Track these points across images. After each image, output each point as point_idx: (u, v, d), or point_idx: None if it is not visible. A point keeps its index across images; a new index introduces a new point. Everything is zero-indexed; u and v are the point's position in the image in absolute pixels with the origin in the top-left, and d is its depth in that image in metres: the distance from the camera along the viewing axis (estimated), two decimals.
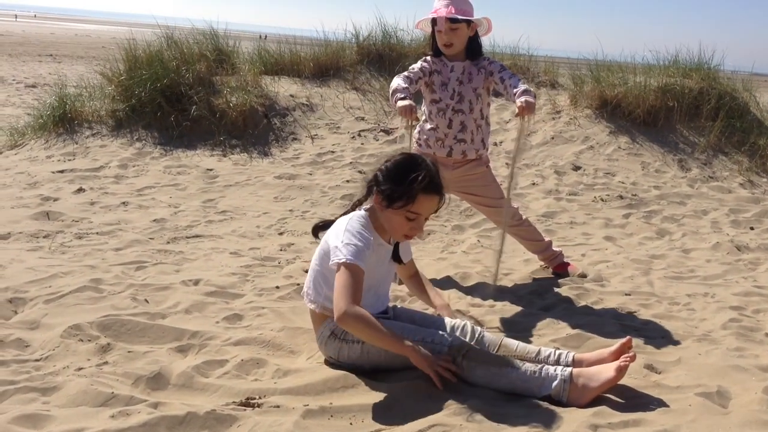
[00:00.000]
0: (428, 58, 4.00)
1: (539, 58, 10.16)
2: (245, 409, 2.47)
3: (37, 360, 2.84)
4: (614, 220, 5.88)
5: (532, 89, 3.72)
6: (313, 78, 8.96)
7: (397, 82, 3.79)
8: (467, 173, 4.05)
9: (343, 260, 2.62)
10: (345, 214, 2.90)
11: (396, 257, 2.99)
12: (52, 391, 2.56)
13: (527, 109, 3.54)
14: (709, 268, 4.64)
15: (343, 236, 2.69)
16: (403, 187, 2.69)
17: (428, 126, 4.02)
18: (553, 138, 7.87)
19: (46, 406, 2.46)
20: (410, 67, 3.98)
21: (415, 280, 3.28)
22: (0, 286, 3.59)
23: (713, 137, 7.76)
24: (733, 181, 7.20)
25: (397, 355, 2.74)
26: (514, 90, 3.71)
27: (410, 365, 2.73)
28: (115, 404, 2.48)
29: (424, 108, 4.10)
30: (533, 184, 6.72)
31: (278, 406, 2.50)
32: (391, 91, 3.78)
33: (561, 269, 4.34)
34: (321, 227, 2.93)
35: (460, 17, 3.79)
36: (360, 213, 2.83)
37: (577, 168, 7.18)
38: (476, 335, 2.92)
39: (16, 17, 70.08)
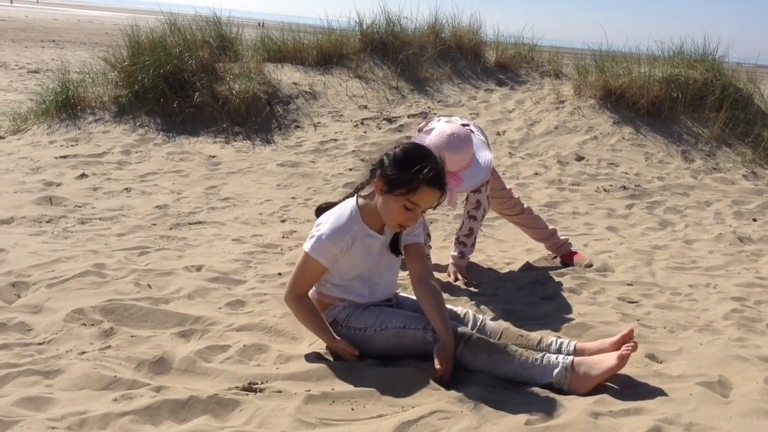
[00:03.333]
0: None
1: (543, 47, 10.13)
2: (247, 394, 2.48)
3: (40, 344, 2.85)
4: (617, 210, 5.88)
5: (468, 245, 4.02)
6: (316, 66, 8.93)
7: None
8: None
9: (305, 250, 2.79)
10: (347, 197, 2.91)
11: (394, 249, 2.91)
12: (55, 375, 2.57)
13: (451, 274, 3.99)
14: (712, 259, 4.64)
15: (321, 227, 2.79)
16: (408, 176, 2.67)
17: None
18: (556, 128, 7.85)
19: (49, 389, 2.47)
20: None
21: (423, 289, 2.82)
22: (3, 270, 3.60)
23: (717, 128, 7.74)
24: (737, 172, 7.18)
25: (399, 342, 2.76)
26: (456, 236, 4.03)
27: (411, 353, 2.75)
28: (117, 388, 2.49)
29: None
30: (536, 174, 6.71)
31: (280, 392, 2.51)
32: None
33: (568, 258, 4.35)
34: (324, 208, 2.94)
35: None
36: (351, 205, 2.83)
37: (580, 158, 7.17)
38: (478, 323, 2.92)
39: (11, 2, 69.18)
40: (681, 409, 2.43)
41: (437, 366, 2.59)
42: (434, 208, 2.82)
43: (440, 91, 8.77)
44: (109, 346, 2.83)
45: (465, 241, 3.99)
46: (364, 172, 2.90)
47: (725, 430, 2.29)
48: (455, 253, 4.00)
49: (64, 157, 6.57)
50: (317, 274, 2.84)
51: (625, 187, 6.46)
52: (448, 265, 4.04)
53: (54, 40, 24.84)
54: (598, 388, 2.58)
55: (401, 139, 6.76)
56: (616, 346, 2.75)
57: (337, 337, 2.80)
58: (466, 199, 3.99)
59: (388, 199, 2.74)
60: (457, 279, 3.92)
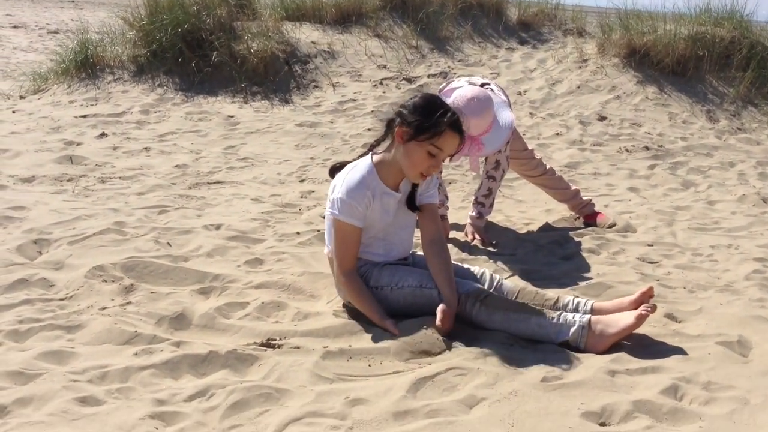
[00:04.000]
0: None
1: (567, 6, 9.93)
2: (266, 350, 2.51)
3: (61, 299, 2.90)
4: (639, 171, 5.80)
5: (486, 206, 3.99)
6: (335, 24, 8.83)
7: None
8: None
9: (333, 216, 2.75)
10: (361, 156, 2.89)
11: (411, 205, 2.89)
12: (76, 329, 2.61)
13: (469, 234, 3.96)
14: (734, 220, 4.57)
15: (339, 189, 2.74)
16: (433, 120, 2.68)
17: None
18: (578, 87, 7.72)
19: (71, 343, 2.52)
20: None
21: (431, 250, 2.84)
22: (25, 228, 3.65)
23: (743, 88, 7.57)
24: (762, 132, 7.04)
25: (414, 301, 2.76)
26: (474, 197, 4.02)
27: (427, 311, 2.75)
28: (138, 342, 2.53)
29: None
30: (557, 134, 6.63)
31: (298, 347, 2.53)
32: None
33: (591, 219, 4.31)
34: (338, 168, 2.92)
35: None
36: (366, 162, 2.81)
37: (602, 118, 7.06)
38: (495, 283, 2.92)
39: None
40: (699, 368, 2.42)
41: (437, 323, 2.61)
42: (451, 158, 2.81)
43: (461, 50, 8.65)
44: (129, 302, 2.86)
45: (483, 201, 3.97)
46: (382, 128, 2.88)
47: (743, 389, 2.28)
48: (473, 214, 3.98)
49: (84, 116, 6.59)
50: (355, 239, 2.77)
51: (647, 148, 6.37)
52: (466, 225, 4.02)
53: (73, 1, 24.78)
54: (615, 347, 2.57)
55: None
56: (635, 304, 2.73)
57: (386, 316, 2.73)
58: (485, 159, 3.95)
59: (411, 147, 2.71)
60: (474, 239, 3.91)
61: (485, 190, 3.96)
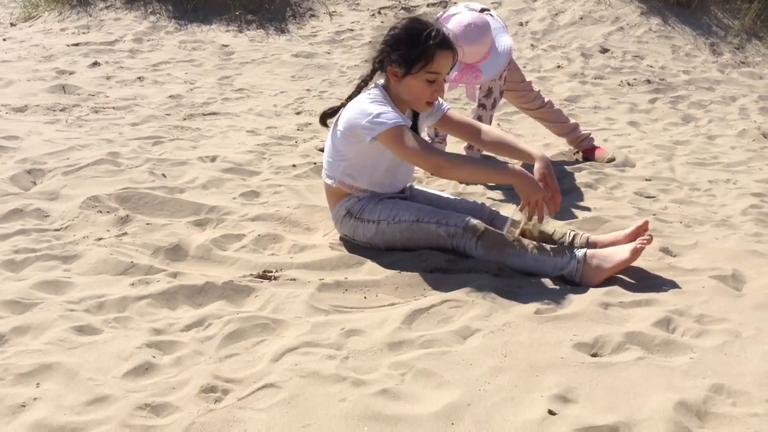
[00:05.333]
0: None
1: None
2: (262, 281, 2.52)
3: (56, 230, 2.89)
4: (640, 105, 5.73)
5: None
6: None
7: None
8: None
9: (391, 125, 2.59)
10: (351, 97, 2.82)
11: (415, 129, 2.88)
12: (72, 260, 2.61)
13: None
14: (733, 155, 4.55)
15: (371, 109, 2.63)
16: (419, 48, 2.61)
17: None
18: (581, 18, 7.56)
19: (67, 273, 2.52)
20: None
21: (490, 135, 2.89)
22: (18, 158, 3.61)
23: (748, 20, 7.42)
24: (765, 66, 6.94)
25: (411, 236, 2.74)
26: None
27: (424, 245, 2.74)
28: (134, 273, 2.53)
29: None
30: (558, 66, 6.52)
31: (294, 279, 2.54)
32: None
33: (590, 153, 4.27)
34: (330, 114, 2.87)
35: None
36: (374, 90, 2.76)
37: (604, 50, 6.94)
38: (492, 216, 2.91)
39: None
40: (692, 301, 2.43)
41: (545, 195, 2.62)
42: (449, 71, 2.75)
43: None
44: (125, 233, 2.86)
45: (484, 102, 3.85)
46: (367, 68, 2.81)
47: (736, 322, 2.30)
48: (465, 145, 3.93)
49: (76, 44, 6.46)
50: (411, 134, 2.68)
51: (649, 81, 6.28)
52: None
53: None
54: (609, 280, 2.58)
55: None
56: (631, 237, 2.74)
57: (515, 168, 2.68)
58: (479, 87, 3.88)
59: (409, 81, 2.67)
60: None
61: (475, 118, 3.89)
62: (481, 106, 3.87)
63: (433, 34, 2.61)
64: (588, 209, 3.40)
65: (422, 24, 2.67)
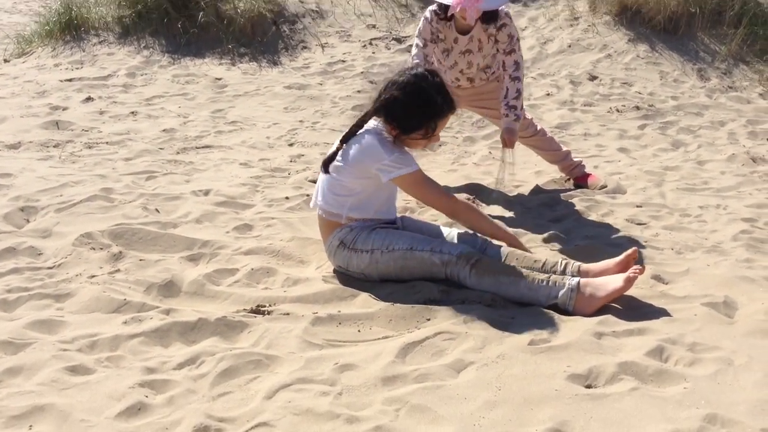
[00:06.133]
0: (430, 17, 3.74)
1: None
2: (255, 316, 2.52)
3: (50, 267, 2.89)
4: (629, 131, 5.78)
5: (519, 107, 3.76)
6: None
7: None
8: (479, 90, 3.98)
9: (412, 170, 2.76)
10: (346, 137, 2.85)
11: None
12: (65, 298, 2.61)
13: (508, 142, 3.73)
14: (723, 180, 4.58)
15: (386, 151, 2.73)
16: (420, 120, 2.74)
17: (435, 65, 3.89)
18: (569, 46, 7.65)
19: (60, 312, 2.52)
20: (416, 45, 3.81)
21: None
22: (11, 195, 3.62)
23: (735, 45, 7.51)
24: (753, 91, 7.01)
25: (405, 264, 2.76)
26: (504, 102, 3.76)
27: (418, 275, 2.76)
28: (127, 310, 2.53)
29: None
30: (547, 94, 6.58)
31: (288, 314, 2.54)
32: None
33: (582, 180, 4.29)
34: (331, 159, 2.87)
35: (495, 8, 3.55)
36: (373, 129, 2.80)
37: (593, 78, 7.01)
38: (485, 245, 2.92)
39: None
40: (685, 329, 2.44)
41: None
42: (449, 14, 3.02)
43: None
44: (118, 270, 2.86)
45: (515, 104, 3.79)
46: (370, 104, 2.85)
47: (728, 350, 2.31)
48: (509, 118, 3.78)
49: (70, 80, 6.50)
50: (428, 176, 2.88)
51: (638, 108, 6.34)
52: (501, 132, 3.83)
53: None
54: (602, 309, 2.59)
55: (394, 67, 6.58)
56: (620, 266, 2.75)
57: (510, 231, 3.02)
58: (503, 63, 3.80)
59: (406, 141, 2.81)
60: (510, 145, 3.80)
61: (514, 92, 3.79)
62: (516, 79, 3.79)
63: (432, 103, 2.70)
64: (580, 237, 3.42)
65: (427, 95, 2.72)
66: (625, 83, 6.94)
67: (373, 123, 2.84)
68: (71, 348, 2.25)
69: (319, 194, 2.91)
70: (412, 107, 2.72)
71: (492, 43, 3.76)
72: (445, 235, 2.95)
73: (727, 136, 5.77)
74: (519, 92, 3.80)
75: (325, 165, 2.89)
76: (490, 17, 3.62)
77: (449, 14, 3.57)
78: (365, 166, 2.75)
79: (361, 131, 2.82)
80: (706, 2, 7.75)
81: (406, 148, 2.85)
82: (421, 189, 2.84)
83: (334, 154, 2.87)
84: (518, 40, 3.80)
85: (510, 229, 2.96)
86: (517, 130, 3.81)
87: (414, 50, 3.83)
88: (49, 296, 2.61)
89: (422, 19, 3.80)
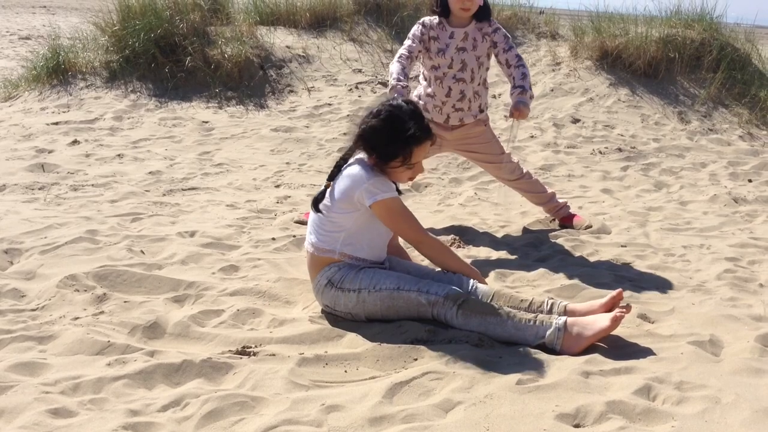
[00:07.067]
0: (425, 21, 3.88)
1: (540, 9, 10.01)
2: (241, 358, 2.49)
3: (33, 310, 2.86)
4: (612, 172, 5.86)
5: (527, 86, 3.79)
6: (310, 29, 8.82)
7: (395, 65, 3.68)
8: (466, 133, 4.02)
9: (380, 199, 2.75)
10: (332, 175, 2.89)
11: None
12: (48, 340, 2.58)
13: (520, 114, 3.74)
14: (706, 220, 4.64)
15: (368, 177, 2.76)
16: (396, 146, 2.76)
17: (427, 90, 3.94)
18: (552, 90, 7.79)
19: (43, 354, 2.48)
20: (406, 42, 3.85)
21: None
22: None
23: (714, 89, 7.68)
24: (733, 133, 7.15)
25: (392, 304, 2.76)
26: (513, 85, 3.81)
27: (405, 315, 2.76)
28: (111, 352, 2.50)
29: (422, 71, 4.01)
30: (531, 136, 6.68)
31: (274, 355, 2.52)
32: (389, 75, 3.72)
33: (568, 221, 4.33)
34: (321, 198, 2.90)
35: None
36: (359, 164, 2.83)
37: (576, 120, 7.13)
38: (470, 287, 2.93)
39: None
40: (671, 368, 2.44)
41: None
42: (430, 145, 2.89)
43: None
44: (102, 312, 2.83)
45: (523, 83, 3.82)
46: (350, 140, 2.90)
47: (715, 388, 2.31)
48: (519, 91, 3.78)
49: (56, 123, 6.52)
50: (405, 207, 2.88)
51: (620, 149, 6.44)
52: (510, 107, 3.79)
53: (45, 6, 24.50)
54: (589, 348, 2.59)
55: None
56: (606, 307, 2.76)
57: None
58: (506, 61, 3.87)
59: (388, 170, 2.83)
60: (521, 118, 3.77)
61: (520, 75, 3.83)
62: (520, 66, 3.85)
63: (410, 131, 2.73)
64: (565, 277, 3.43)
65: (399, 120, 2.77)
66: (607, 126, 7.05)
67: (357, 155, 2.88)
68: (54, 390, 2.22)
69: (312, 233, 2.92)
70: (388, 134, 2.76)
71: (488, 43, 3.86)
72: (432, 276, 2.95)
73: (709, 177, 5.86)
74: (525, 75, 3.85)
75: (315, 204, 2.90)
76: (483, 15, 3.81)
77: None
78: (350, 194, 2.77)
79: (345, 165, 2.87)
80: (684, 48, 7.95)
81: (391, 179, 2.86)
82: (397, 217, 2.83)
83: (323, 192, 2.89)
84: (512, 45, 3.93)
85: (475, 269, 3.00)
86: (528, 102, 3.78)
87: (401, 50, 3.82)
88: (32, 338, 2.58)
89: (417, 24, 3.91)
